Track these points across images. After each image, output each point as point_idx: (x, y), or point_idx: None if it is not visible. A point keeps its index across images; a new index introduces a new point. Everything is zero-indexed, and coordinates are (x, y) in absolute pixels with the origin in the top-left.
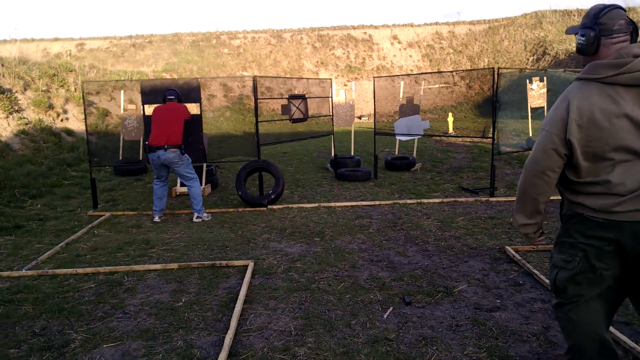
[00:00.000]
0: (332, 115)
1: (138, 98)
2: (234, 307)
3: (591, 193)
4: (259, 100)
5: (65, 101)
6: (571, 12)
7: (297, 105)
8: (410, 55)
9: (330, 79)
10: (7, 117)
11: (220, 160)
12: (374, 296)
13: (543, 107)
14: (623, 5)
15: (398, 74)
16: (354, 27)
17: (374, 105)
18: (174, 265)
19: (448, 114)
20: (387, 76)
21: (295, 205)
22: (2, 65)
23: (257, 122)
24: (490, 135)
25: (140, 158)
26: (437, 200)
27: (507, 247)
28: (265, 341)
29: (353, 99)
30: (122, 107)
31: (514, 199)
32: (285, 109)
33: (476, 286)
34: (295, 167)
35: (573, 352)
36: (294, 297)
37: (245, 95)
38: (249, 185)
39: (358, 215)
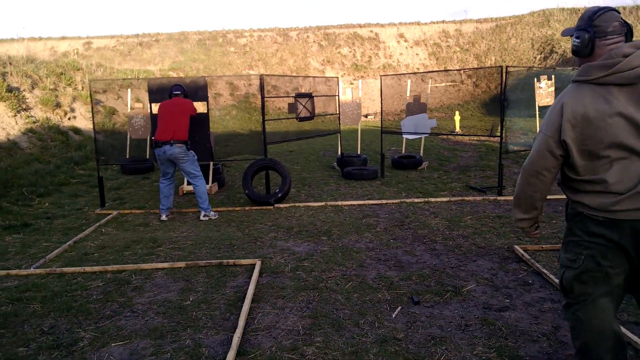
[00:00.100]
0: (339, 113)
1: (145, 97)
2: (242, 306)
3: (590, 191)
4: (265, 99)
5: (73, 100)
6: (579, 10)
7: (304, 104)
8: (416, 54)
9: (337, 78)
10: (15, 115)
11: (226, 159)
12: (382, 295)
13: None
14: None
15: (404, 72)
16: (360, 26)
17: (381, 103)
18: (182, 264)
19: (455, 113)
20: (394, 74)
21: (302, 204)
22: (10, 63)
23: (263, 120)
24: (498, 134)
25: (147, 156)
26: (444, 199)
27: (516, 247)
28: (273, 340)
29: (360, 98)
30: (129, 106)
31: None
32: (292, 108)
33: (485, 286)
34: (302, 165)
35: (583, 353)
36: (301, 296)
37: (251, 93)
38: (255, 184)
39: (365, 214)
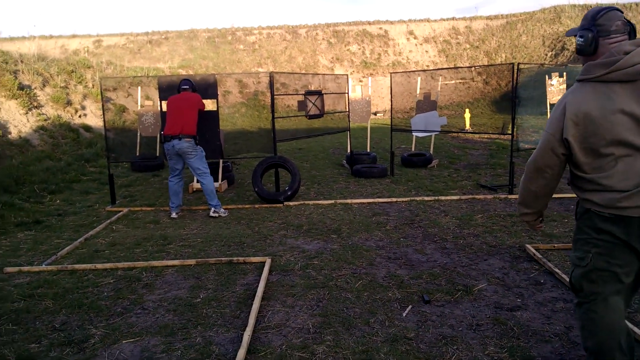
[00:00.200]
0: (349, 111)
1: (155, 94)
2: (252, 304)
3: (597, 189)
4: (274, 96)
5: (83, 97)
6: (590, 6)
7: (313, 102)
8: (426, 51)
9: (347, 75)
10: (27, 113)
11: (236, 157)
12: (392, 294)
13: None
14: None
15: (414, 69)
16: (369, 23)
17: (391, 101)
18: (192, 262)
19: (465, 110)
20: (403, 72)
21: (311, 202)
22: (22, 61)
23: (273, 118)
24: (509, 131)
25: (157, 154)
26: (455, 198)
27: (527, 246)
28: (283, 338)
29: (369, 95)
30: (139, 104)
31: None
32: (302, 105)
33: (496, 285)
34: (311, 163)
35: (595, 352)
36: (311, 294)
37: (260, 91)
38: (265, 182)
39: (375, 212)
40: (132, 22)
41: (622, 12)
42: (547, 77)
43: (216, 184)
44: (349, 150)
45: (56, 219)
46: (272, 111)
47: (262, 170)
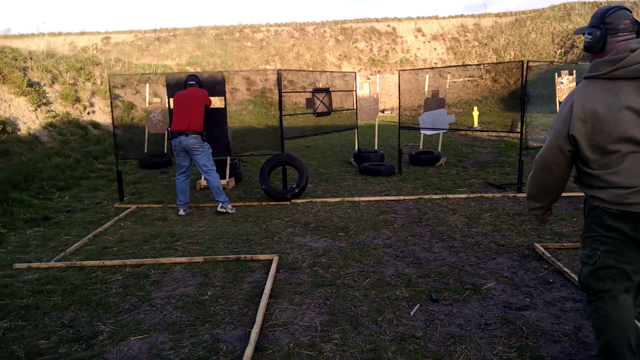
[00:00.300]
0: (356, 109)
1: (163, 91)
2: (260, 302)
3: (604, 186)
4: (282, 94)
5: (92, 94)
6: (600, 3)
7: (321, 99)
8: (434, 48)
9: (355, 72)
10: (36, 110)
11: (243, 154)
12: (400, 293)
13: None
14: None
15: (422, 67)
16: (377, 20)
17: (399, 98)
18: (200, 259)
19: (473, 108)
20: (412, 69)
21: (319, 200)
22: (31, 58)
23: (281, 115)
24: (519, 129)
25: (165, 151)
26: (463, 196)
27: (536, 245)
28: (291, 336)
29: (377, 93)
30: (147, 101)
31: None
32: (310, 103)
33: (505, 284)
34: (319, 161)
35: (605, 351)
36: (319, 292)
37: (267, 88)
38: (272, 179)
39: (382, 210)
40: (140, 19)
41: (631, 12)
42: (556, 75)
43: (224, 182)
44: (356, 148)
45: (65, 216)
46: (280, 108)
47: (270, 167)
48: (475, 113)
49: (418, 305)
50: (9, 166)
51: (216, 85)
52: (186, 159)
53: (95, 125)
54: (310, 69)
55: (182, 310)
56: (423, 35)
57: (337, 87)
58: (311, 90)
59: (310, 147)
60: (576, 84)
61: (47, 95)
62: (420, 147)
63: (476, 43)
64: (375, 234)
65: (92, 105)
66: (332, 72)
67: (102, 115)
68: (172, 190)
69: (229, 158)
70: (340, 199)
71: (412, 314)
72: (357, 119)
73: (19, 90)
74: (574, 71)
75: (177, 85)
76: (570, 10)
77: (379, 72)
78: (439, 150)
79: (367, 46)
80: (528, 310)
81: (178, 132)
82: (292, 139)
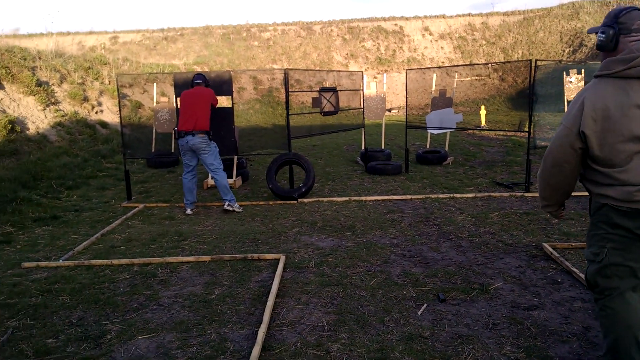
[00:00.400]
0: (363, 108)
1: (170, 91)
2: (267, 301)
3: (613, 183)
4: (289, 93)
5: (100, 94)
6: (609, 2)
7: (327, 98)
8: (441, 47)
9: (362, 72)
10: (44, 109)
11: (250, 153)
12: (407, 292)
13: None
14: None
15: (429, 66)
16: (384, 19)
17: (406, 97)
18: (207, 258)
19: (480, 107)
20: (419, 68)
21: (325, 199)
22: (40, 58)
23: (288, 114)
24: (526, 129)
25: (172, 150)
26: (470, 195)
27: (544, 244)
28: (298, 336)
29: (384, 92)
30: (154, 100)
31: None
32: (316, 102)
33: (512, 284)
34: (325, 160)
35: (612, 349)
36: (326, 291)
37: (274, 88)
38: (279, 178)
39: (389, 209)
40: (148, 19)
41: None
42: (564, 73)
43: (231, 181)
44: (363, 147)
45: (73, 215)
46: (287, 108)
47: (277, 166)
48: (483, 112)
49: (425, 305)
50: (17, 165)
51: (223, 85)
52: (193, 158)
53: (103, 124)
54: (317, 68)
55: (189, 309)
56: (430, 34)
57: (344, 87)
58: (318, 89)
59: (317, 147)
60: (585, 83)
61: (55, 94)
62: (427, 146)
63: (484, 42)
64: (382, 234)
65: (100, 104)
66: (339, 71)
67: (110, 114)
68: (179, 189)
69: (236, 157)
70: (347, 199)
71: (419, 313)
72: (364, 118)
73: (27, 90)
74: (583, 70)
75: (184, 85)
76: (578, 9)
77: (386, 71)
78: (446, 149)
79: (374, 45)
80: (536, 310)
81: (185, 132)
82: (299, 138)
